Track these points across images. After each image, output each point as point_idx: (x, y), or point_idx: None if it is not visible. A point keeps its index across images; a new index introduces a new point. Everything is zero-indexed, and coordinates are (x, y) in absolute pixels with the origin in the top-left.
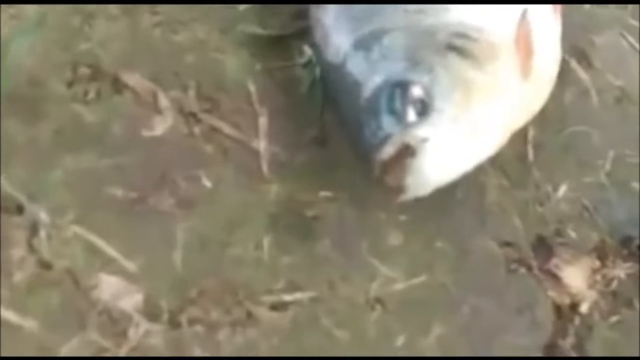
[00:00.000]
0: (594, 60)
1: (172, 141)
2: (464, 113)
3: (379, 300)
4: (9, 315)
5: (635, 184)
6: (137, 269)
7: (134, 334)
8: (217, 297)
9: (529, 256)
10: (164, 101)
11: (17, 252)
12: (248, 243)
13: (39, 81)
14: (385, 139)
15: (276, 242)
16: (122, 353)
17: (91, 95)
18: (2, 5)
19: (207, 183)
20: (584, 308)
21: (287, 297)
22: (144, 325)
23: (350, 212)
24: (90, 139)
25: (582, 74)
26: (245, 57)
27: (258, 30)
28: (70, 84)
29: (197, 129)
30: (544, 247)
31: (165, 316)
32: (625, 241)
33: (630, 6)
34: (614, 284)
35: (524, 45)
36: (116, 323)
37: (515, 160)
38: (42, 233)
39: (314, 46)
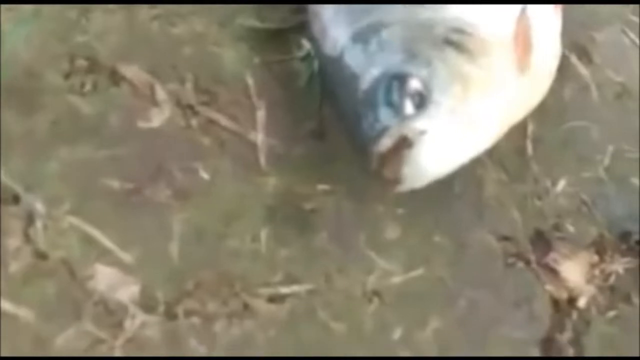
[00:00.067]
0: (594, 56)
1: (169, 133)
2: (461, 106)
3: (376, 293)
4: (5, 305)
5: (634, 179)
6: (133, 260)
7: (130, 325)
8: (214, 289)
9: (527, 250)
10: (161, 93)
11: (13, 242)
12: (245, 235)
13: (36, 73)
14: (383, 131)
15: (273, 235)
16: (118, 344)
17: (88, 87)
18: None
19: (205, 175)
20: (581, 303)
21: (284, 290)
22: (140, 316)
23: (347, 205)
24: (87, 131)
25: (582, 70)
26: (243, 50)
27: (256, 23)
28: (67, 76)
29: (194, 121)
30: (542, 242)
31: (161, 308)
32: (624, 236)
33: None
34: (612, 279)
35: (523, 41)
36: (112, 314)
37: (514, 154)
38: (38, 223)
39: (312, 39)
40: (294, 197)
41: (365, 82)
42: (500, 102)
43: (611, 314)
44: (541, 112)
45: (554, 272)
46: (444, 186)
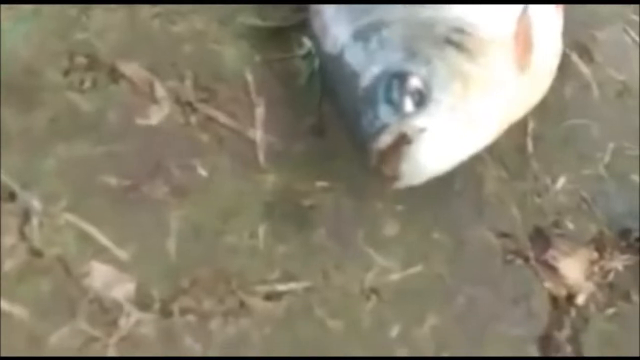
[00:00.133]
0: (596, 55)
1: (167, 130)
2: (461, 104)
3: (374, 290)
4: None
5: (634, 177)
6: (129, 258)
7: (125, 324)
8: (210, 287)
9: (526, 247)
10: (160, 91)
11: (9, 239)
12: (243, 232)
13: (35, 70)
14: (382, 128)
15: (271, 232)
16: (113, 342)
17: (87, 84)
18: None
19: (203, 172)
20: (580, 300)
21: (281, 287)
22: (135, 314)
23: (346, 202)
24: (85, 128)
25: (584, 68)
26: (244, 48)
27: (257, 21)
28: (66, 73)
29: (193, 119)
30: (541, 239)
31: (156, 305)
32: (624, 233)
33: None
34: (611, 276)
35: (523, 40)
36: (107, 312)
37: (514, 151)
38: (34, 221)
39: (312, 37)
40: (293, 194)
41: (365, 80)
42: (499, 101)
43: (610, 311)
44: (542, 109)
45: (552, 269)
46: (443, 183)
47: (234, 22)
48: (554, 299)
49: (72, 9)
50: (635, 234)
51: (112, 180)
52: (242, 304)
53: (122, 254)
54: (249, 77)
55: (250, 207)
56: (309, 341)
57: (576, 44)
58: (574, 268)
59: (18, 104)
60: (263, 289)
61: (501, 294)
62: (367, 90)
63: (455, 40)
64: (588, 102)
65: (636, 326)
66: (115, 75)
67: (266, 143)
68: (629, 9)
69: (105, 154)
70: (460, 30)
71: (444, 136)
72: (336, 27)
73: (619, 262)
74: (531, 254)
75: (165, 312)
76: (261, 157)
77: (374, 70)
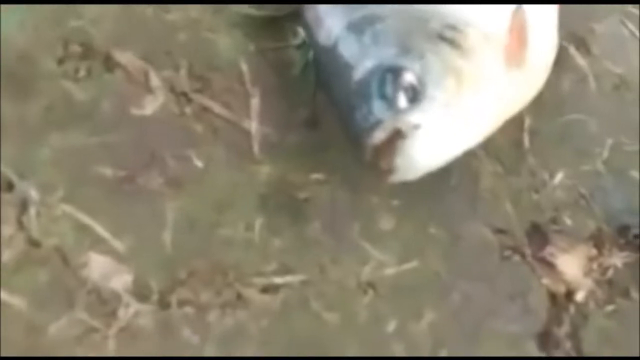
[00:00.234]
0: (593, 47)
1: (162, 120)
2: (455, 100)
3: (370, 284)
4: None
5: (632, 172)
6: (126, 249)
7: (123, 314)
8: (207, 279)
9: (523, 243)
10: (155, 80)
11: (7, 229)
12: (238, 224)
13: (30, 58)
14: (376, 124)
15: (267, 224)
16: (111, 333)
17: (82, 73)
18: None
19: (198, 163)
20: (579, 296)
21: (278, 280)
22: (134, 305)
23: (341, 195)
24: (80, 117)
25: (580, 60)
26: (238, 37)
27: (252, 10)
28: (60, 61)
29: (188, 109)
30: (538, 235)
31: (154, 297)
32: (622, 230)
33: None
34: (610, 273)
35: (518, 35)
36: (105, 303)
37: (511, 147)
38: (32, 210)
39: (306, 28)
40: (288, 186)
41: (358, 73)
42: (494, 97)
43: (609, 308)
44: (538, 104)
45: (550, 266)
46: (439, 178)
47: (229, 10)
48: (552, 296)
49: None
50: (634, 231)
51: (108, 171)
52: (239, 296)
53: (119, 245)
54: (244, 67)
55: (245, 199)
56: (305, 334)
57: (573, 36)
58: (572, 265)
59: (12, 93)
60: (260, 281)
61: (498, 290)
62: (360, 84)
63: (449, 37)
64: (585, 96)
65: (636, 323)
66: (110, 64)
67: (261, 134)
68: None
69: (99, 144)
70: (453, 27)
71: (438, 132)
72: (330, 18)
73: (617, 259)
74: (528, 251)
75: (163, 304)
76: (256, 148)
77: (368, 64)
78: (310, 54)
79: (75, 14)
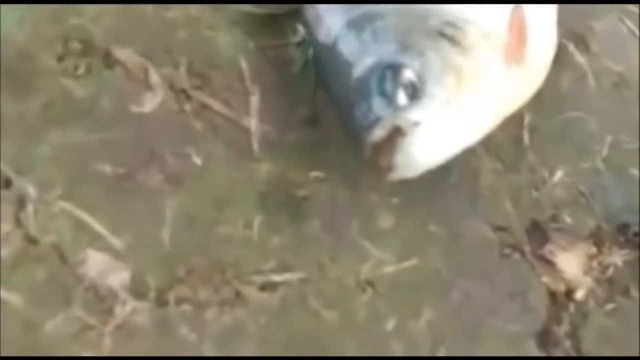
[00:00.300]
0: (592, 45)
1: (162, 117)
2: (454, 97)
3: (369, 282)
4: None
5: (632, 170)
6: (124, 246)
7: (121, 312)
8: (206, 276)
9: (523, 241)
10: (155, 77)
11: (4, 226)
12: (238, 222)
13: (30, 55)
14: (376, 121)
15: (266, 222)
16: (108, 331)
17: (81, 70)
18: None
19: (197, 160)
20: (579, 295)
21: (277, 278)
22: (131, 303)
23: (341, 193)
24: (80, 114)
25: (580, 58)
26: (238, 35)
27: (252, 8)
28: (60, 59)
29: (187, 106)
30: (538, 233)
31: (152, 294)
32: (622, 228)
33: None
34: (610, 271)
35: (518, 33)
36: (102, 300)
37: (511, 144)
38: (30, 208)
39: (306, 26)
40: (287, 184)
41: (358, 71)
42: (494, 94)
43: (609, 307)
44: (538, 102)
45: (550, 264)
46: (439, 176)
47: (229, 8)
48: (552, 294)
49: None
50: (634, 229)
51: (107, 168)
52: (237, 294)
53: (117, 243)
54: (244, 65)
55: (244, 197)
56: (304, 332)
57: (573, 34)
58: (572, 263)
59: (12, 90)
60: (259, 279)
61: (498, 288)
62: (360, 81)
63: (449, 34)
64: (585, 94)
65: (636, 322)
66: (109, 61)
67: (261, 132)
68: None
69: (99, 141)
70: (453, 25)
71: (438, 130)
72: (330, 16)
73: (617, 258)
74: (528, 249)
75: (161, 302)
76: (256, 145)
77: (367, 61)
78: (310, 52)
79: (75, 12)
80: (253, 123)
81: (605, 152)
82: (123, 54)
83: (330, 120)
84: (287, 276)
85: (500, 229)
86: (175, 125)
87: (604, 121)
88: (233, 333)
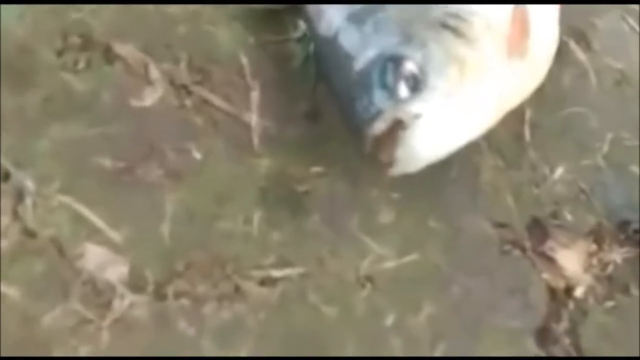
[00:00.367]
0: (594, 42)
1: (162, 112)
2: (456, 90)
3: (369, 277)
4: None
5: (633, 167)
6: (123, 240)
7: (118, 306)
8: (205, 271)
9: (523, 237)
10: (154, 72)
11: (2, 219)
12: (237, 217)
13: (29, 49)
14: (377, 114)
15: (266, 217)
16: (106, 324)
17: (81, 64)
18: None
19: (197, 155)
20: (579, 292)
21: (276, 273)
22: (129, 297)
23: (341, 188)
24: (79, 108)
25: (581, 55)
26: (238, 30)
27: (252, 3)
28: (60, 53)
29: (187, 101)
30: (538, 229)
31: (150, 288)
32: (622, 225)
33: None
34: (610, 269)
35: (520, 26)
36: (100, 294)
37: (512, 140)
38: (28, 201)
39: (307, 19)
40: (287, 179)
41: (359, 64)
42: (496, 87)
43: (609, 304)
44: (539, 98)
45: (550, 261)
46: (439, 171)
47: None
48: (552, 291)
49: None
50: (634, 226)
51: (107, 162)
52: (237, 289)
53: (116, 236)
54: (244, 60)
55: (244, 192)
56: (303, 327)
57: (574, 30)
58: (572, 260)
59: (12, 84)
60: (258, 274)
61: (497, 284)
62: (361, 74)
63: (451, 25)
64: (586, 90)
65: (635, 320)
66: (109, 56)
67: (261, 127)
68: None
69: (99, 135)
70: (456, 16)
71: (439, 122)
72: (331, 9)
73: (617, 255)
74: (528, 245)
75: (159, 295)
76: (256, 140)
77: (369, 53)
78: (311, 47)
79: (75, 6)
80: (253, 118)
81: (605, 149)
82: (123, 48)
83: (330, 115)
84: (286, 271)
85: (500, 225)
86: (175, 120)
87: (604, 118)
88: (232, 328)
